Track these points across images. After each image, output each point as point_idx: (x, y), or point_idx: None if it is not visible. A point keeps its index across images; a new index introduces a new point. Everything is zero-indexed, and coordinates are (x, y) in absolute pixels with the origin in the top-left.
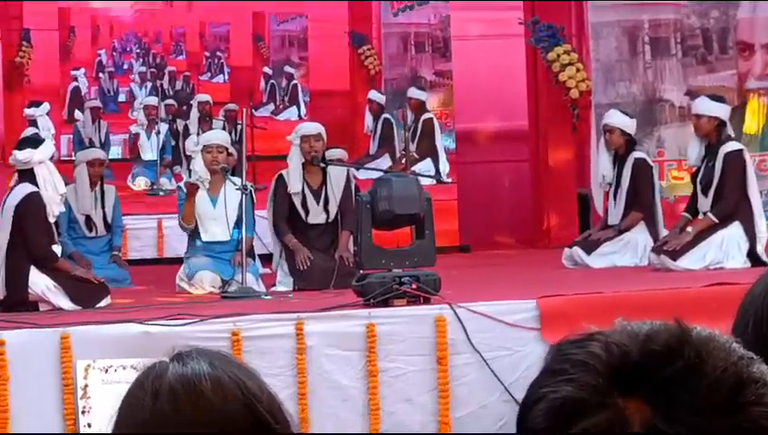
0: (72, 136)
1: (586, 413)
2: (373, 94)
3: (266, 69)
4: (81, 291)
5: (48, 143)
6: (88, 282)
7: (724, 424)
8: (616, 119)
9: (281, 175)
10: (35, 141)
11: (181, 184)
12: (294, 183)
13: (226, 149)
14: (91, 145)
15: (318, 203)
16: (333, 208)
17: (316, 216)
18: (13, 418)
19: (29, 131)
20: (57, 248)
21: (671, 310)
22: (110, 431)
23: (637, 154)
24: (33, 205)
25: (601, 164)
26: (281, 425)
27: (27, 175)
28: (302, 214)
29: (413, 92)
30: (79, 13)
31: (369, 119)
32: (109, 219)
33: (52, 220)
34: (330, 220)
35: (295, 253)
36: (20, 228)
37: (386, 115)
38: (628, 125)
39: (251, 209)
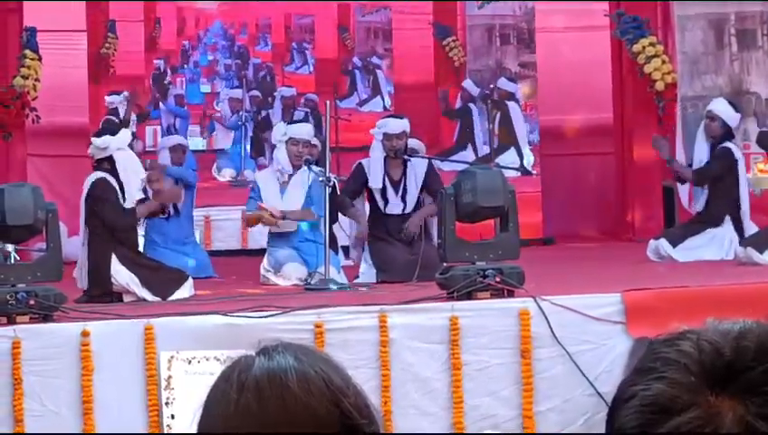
0: (150, 121)
1: (678, 411)
2: (467, 84)
3: (353, 59)
4: (156, 281)
5: (125, 130)
6: (160, 270)
7: None
8: (720, 107)
9: (360, 163)
10: (112, 129)
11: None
12: (375, 178)
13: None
14: (170, 133)
15: (396, 194)
16: (412, 200)
17: (394, 206)
18: (97, 408)
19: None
20: (140, 239)
21: (757, 304)
22: (195, 424)
23: (725, 144)
24: (100, 188)
25: (698, 150)
26: (366, 420)
27: (105, 163)
28: (381, 204)
29: (503, 83)
30: (165, 4)
31: (459, 107)
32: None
33: (130, 205)
34: (407, 211)
35: (357, 221)
36: (94, 212)
37: (473, 105)
38: (732, 117)
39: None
